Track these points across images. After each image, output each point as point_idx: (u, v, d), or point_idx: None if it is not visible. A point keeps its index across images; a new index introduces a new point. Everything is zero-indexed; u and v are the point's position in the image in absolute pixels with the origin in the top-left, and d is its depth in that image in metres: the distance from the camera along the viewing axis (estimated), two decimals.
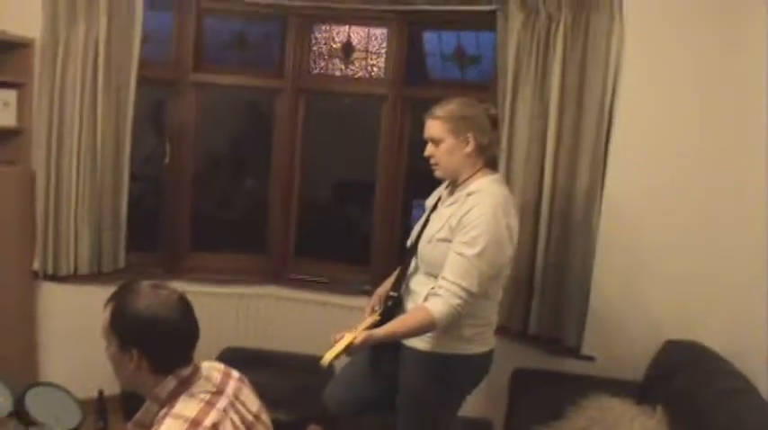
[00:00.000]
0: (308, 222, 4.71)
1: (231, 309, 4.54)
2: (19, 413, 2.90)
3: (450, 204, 2.86)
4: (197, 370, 2.12)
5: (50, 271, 4.26)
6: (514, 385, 3.76)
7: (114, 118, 4.14)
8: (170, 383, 2.05)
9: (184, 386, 2.05)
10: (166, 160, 4.54)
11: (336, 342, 2.64)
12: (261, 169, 4.73)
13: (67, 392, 3.15)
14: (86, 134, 4.10)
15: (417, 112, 3.93)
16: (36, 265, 4.29)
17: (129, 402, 2.15)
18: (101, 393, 4.24)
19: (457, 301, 2.67)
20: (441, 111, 2.84)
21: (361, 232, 4.66)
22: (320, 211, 5.11)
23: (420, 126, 2.91)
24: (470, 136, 2.79)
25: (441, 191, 3.06)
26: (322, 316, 4.35)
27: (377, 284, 3.31)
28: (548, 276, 3.70)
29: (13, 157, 4.20)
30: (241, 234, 4.99)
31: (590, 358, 3.73)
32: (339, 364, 3.05)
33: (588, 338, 3.69)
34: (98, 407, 4.23)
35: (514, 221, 2.79)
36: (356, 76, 4.45)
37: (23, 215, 4.18)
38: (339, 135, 4.90)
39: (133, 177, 4.35)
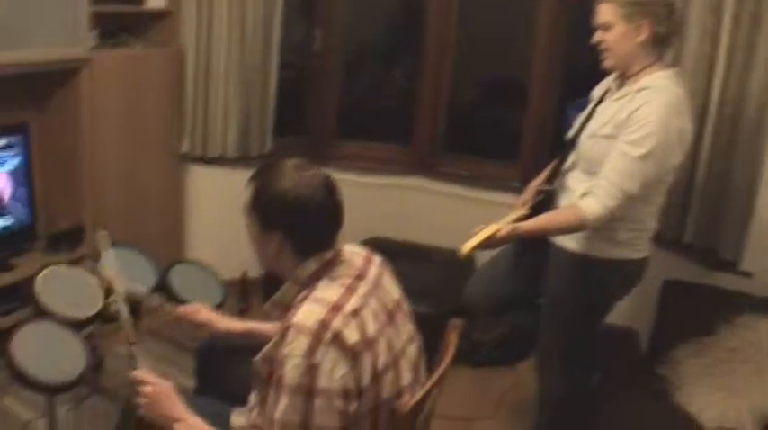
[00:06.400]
0: (456, 117, 4.62)
1: (375, 199, 4.55)
2: (162, 288, 2.97)
3: (619, 98, 2.70)
4: (339, 253, 2.06)
5: (199, 153, 4.35)
6: (665, 296, 3.59)
7: (263, 2, 4.16)
8: (311, 266, 2.00)
9: (326, 269, 2.00)
10: (315, 47, 4.51)
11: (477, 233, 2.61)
12: (411, 61, 4.63)
13: (211, 271, 3.18)
14: (236, 16, 4.13)
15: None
16: (185, 147, 4.38)
17: (272, 285, 2.11)
18: (244, 274, 4.34)
19: (613, 203, 2.55)
20: None
21: (510, 131, 4.52)
22: (469, 107, 4.89)
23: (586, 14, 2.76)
24: (645, 23, 2.60)
25: (609, 82, 2.88)
26: (467, 210, 4.25)
27: (526, 182, 3.21)
28: (709, 184, 3.47)
29: (163, 39, 4.23)
30: (388, 125, 4.90)
31: (748, 274, 3.47)
32: (483, 259, 3.02)
33: (748, 252, 3.42)
34: (241, 288, 4.35)
35: (688, 126, 2.62)
36: None
37: (173, 97, 4.25)
38: (492, 29, 4.63)
39: (282, 64, 4.34)
